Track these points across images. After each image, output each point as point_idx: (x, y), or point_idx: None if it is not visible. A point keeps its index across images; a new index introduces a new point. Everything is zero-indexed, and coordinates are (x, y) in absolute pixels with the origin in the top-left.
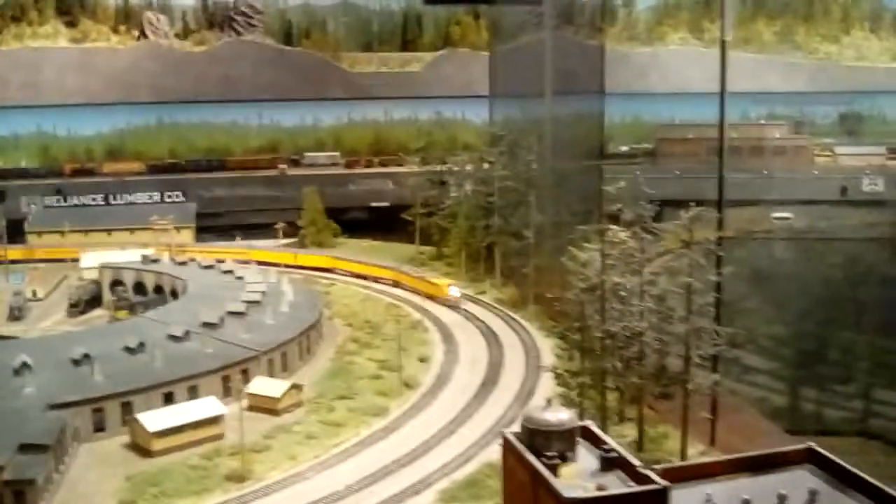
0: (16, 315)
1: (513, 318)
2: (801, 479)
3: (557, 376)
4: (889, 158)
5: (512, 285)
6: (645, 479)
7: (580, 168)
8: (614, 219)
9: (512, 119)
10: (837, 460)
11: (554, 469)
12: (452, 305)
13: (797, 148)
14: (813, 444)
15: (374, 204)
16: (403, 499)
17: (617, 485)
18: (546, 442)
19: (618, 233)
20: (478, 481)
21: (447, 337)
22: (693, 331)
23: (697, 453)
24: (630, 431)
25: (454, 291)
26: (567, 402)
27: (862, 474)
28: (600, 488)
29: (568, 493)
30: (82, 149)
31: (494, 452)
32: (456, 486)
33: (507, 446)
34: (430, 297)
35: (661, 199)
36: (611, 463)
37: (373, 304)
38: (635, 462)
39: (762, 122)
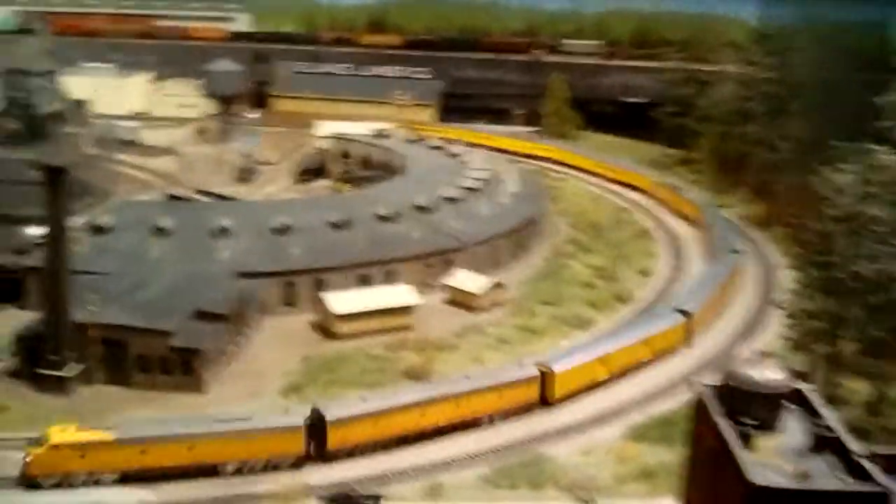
0: (244, 177)
1: (755, 240)
2: None
3: (790, 315)
4: None
5: (761, 202)
6: (862, 473)
7: (856, 80)
8: (884, 140)
9: (786, 20)
10: None
11: (748, 439)
12: None
13: None
14: None
15: (626, 99)
16: (586, 428)
17: (824, 473)
18: (746, 404)
19: (884, 155)
20: (674, 421)
21: (676, 250)
22: None
23: None
24: (864, 389)
25: None
26: (795, 347)
27: None
28: (801, 475)
29: (756, 475)
30: (344, 18)
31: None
32: (649, 421)
33: (700, 402)
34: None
35: None
36: (823, 443)
37: (602, 205)
38: (854, 448)
39: None
